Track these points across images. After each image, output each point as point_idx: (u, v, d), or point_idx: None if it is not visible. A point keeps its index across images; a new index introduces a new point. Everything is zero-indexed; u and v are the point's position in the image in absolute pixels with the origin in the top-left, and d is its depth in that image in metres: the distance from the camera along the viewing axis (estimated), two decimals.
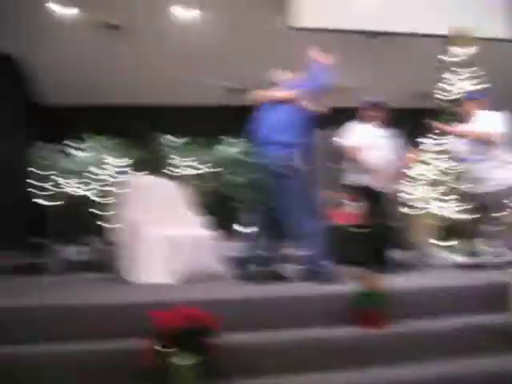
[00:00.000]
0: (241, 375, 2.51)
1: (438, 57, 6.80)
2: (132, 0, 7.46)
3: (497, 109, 5.59)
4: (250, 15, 7.83)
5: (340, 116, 5.10)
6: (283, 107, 4.19)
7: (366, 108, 4.97)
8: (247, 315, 2.90)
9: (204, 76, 9.32)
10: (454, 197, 6.17)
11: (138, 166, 9.43)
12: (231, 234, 8.75)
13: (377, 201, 4.78)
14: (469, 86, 6.56)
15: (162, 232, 4.60)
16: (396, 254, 5.51)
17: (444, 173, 6.36)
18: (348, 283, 3.29)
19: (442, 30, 6.85)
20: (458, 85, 6.63)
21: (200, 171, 9.92)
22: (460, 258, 5.44)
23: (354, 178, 4.89)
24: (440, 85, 6.62)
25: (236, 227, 9.31)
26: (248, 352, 2.62)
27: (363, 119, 4.96)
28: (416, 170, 6.87)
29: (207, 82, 9.44)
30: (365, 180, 4.78)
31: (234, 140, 10.14)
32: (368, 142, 4.77)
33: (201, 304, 2.60)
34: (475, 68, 6.53)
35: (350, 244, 5.67)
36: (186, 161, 9.96)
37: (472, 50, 6.58)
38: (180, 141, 10.21)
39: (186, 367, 2.29)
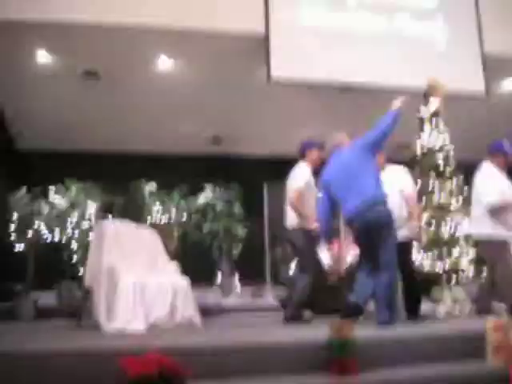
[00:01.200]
0: None
1: (418, 111, 6.97)
2: (112, 48, 7.60)
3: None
4: (230, 67, 8.03)
5: None
6: None
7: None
8: (218, 363, 2.91)
9: (184, 125, 9.48)
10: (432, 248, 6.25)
11: (116, 213, 9.44)
12: (210, 283, 8.77)
13: None
14: (440, 137, 6.72)
15: (137, 279, 4.61)
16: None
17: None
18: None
19: (419, 83, 7.08)
20: (434, 137, 6.76)
21: (179, 219, 9.94)
22: (435, 309, 5.52)
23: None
24: (418, 136, 6.77)
25: (216, 275, 9.32)
26: None
27: None
28: None
29: (187, 131, 9.59)
30: None
31: (214, 188, 10.22)
32: None
33: (173, 351, 2.63)
34: (444, 121, 6.72)
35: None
36: (165, 208, 9.99)
37: (442, 103, 6.77)
38: (158, 188, 10.25)
39: None
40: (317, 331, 3.53)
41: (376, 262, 4.23)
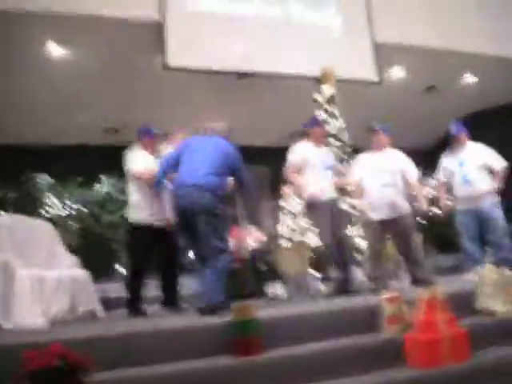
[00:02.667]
0: None
1: (313, 96, 7.17)
2: (8, 37, 7.18)
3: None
4: (126, 54, 7.85)
5: None
6: None
7: None
8: (122, 352, 2.89)
9: (79, 115, 9.17)
10: None
11: (11, 206, 9.00)
12: (109, 274, 8.58)
13: None
14: (336, 123, 6.98)
15: (35, 273, 4.46)
16: (271, 286, 5.76)
17: None
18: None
19: (314, 71, 7.28)
20: (329, 122, 6.98)
21: (75, 211, 9.62)
22: (331, 286, 5.74)
23: None
24: None
25: (115, 267, 9.11)
26: None
27: None
28: (292, 202, 7.18)
29: (82, 121, 9.29)
30: None
31: (112, 179, 9.97)
32: None
33: (73, 343, 2.58)
34: (337, 106, 6.98)
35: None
36: (60, 201, 9.63)
37: (334, 89, 7.03)
38: (54, 180, 9.86)
39: None
40: (221, 315, 3.58)
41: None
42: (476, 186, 5.77)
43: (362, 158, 5.53)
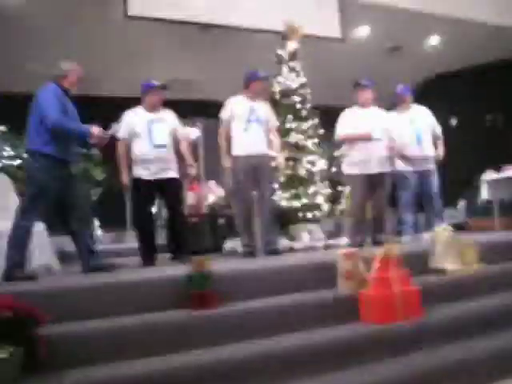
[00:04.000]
0: (68, 366, 2.47)
1: (276, 51, 7.04)
2: None
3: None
4: (86, 2, 7.55)
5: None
6: None
7: None
8: (75, 305, 2.87)
9: (33, 62, 8.82)
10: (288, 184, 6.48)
11: None
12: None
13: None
14: (298, 79, 6.88)
15: None
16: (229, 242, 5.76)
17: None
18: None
19: (278, 25, 7.15)
20: (292, 78, 6.89)
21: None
22: (290, 242, 5.79)
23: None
24: (277, 78, 6.87)
25: None
26: (75, 342, 2.59)
27: None
28: None
29: (37, 69, 8.94)
30: None
31: None
32: None
33: (25, 296, 2.54)
34: (299, 62, 6.89)
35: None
36: (16, 152, 9.33)
37: (297, 44, 6.93)
38: (9, 131, 9.53)
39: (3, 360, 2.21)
40: (177, 269, 3.57)
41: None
42: (427, 147, 5.73)
43: (350, 112, 5.49)
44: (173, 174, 5.01)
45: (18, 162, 9.07)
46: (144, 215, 5.02)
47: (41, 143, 4.01)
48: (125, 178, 4.95)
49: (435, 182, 5.72)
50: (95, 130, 4.14)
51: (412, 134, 5.67)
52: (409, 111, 5.82)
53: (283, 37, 6.98)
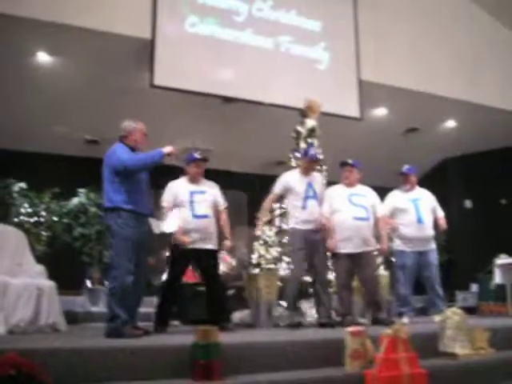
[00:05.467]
0: None
1: (295, 127, 7.23)
2: None
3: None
4: (114, 68, 7.86)
5: None
6: None
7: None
8: (78, 366, 2.85)
9: (62, 125, 9.12)
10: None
11: None
12: (79, 289, 8.46)
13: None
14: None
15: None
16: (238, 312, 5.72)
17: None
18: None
19: (298, 102, 7.36)
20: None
21: (48, 221, 9.46)
22: (299, 318, 5.72)
23: None
24: (294, 154, 7.01)
25: (85, 282, 8.98)
26: None
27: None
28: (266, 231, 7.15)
29: (62, 130, 9.23)
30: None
31: (87, 191, 9.85)
32: None
33: (30, 354, 2.54)
34: (317, 139, 7.04)
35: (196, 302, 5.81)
36: (34, 209, 9.48)
37: (316, 122, 7.11)
38: (30, 189, 9.72)
39: None
40: (184, 338, 3.54)
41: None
42: (427, 227, 5.72)
43: (335, 190, 5.56)
44: (211, 246, 5.04)
45: (34, 219, 9.21)
46: (175, 282, 5.02)
47: (121, 201, 4.18)
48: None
49: (435, 261, 5.69)
50: (167, 149, 4.29)
51: (414, 212, 5.69)
52: (412, 192, 5.87)
53: (302, 113, 7.18)
